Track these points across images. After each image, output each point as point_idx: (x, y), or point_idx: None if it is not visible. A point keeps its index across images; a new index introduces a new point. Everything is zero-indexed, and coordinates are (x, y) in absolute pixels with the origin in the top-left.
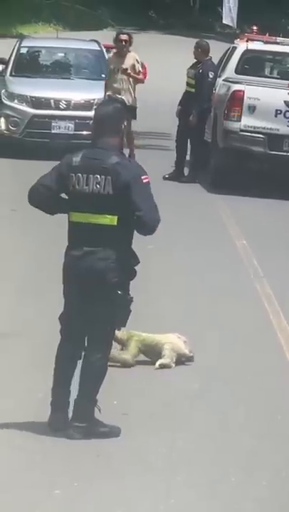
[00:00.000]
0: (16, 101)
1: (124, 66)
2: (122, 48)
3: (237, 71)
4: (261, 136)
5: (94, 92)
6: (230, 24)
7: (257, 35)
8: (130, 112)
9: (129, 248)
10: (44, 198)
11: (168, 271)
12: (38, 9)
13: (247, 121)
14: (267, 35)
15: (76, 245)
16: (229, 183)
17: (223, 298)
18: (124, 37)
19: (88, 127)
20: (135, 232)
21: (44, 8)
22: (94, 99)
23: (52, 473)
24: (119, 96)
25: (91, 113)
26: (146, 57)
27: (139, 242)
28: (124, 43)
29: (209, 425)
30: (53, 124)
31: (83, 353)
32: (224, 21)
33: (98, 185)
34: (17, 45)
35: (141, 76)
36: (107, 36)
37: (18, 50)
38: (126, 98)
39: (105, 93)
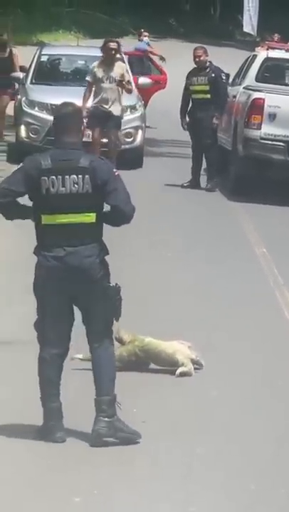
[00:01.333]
0: (36, 108)
1: (113, 75)
2: (110, 56)
3: (257, 79)
4: (282, 144)
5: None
6: (251, 32)
7: (277, 44)
8: (116, 122)
9: (102, 241)
10: (7, 201)
11: (187, 278)
12: (58, 17)
13: (267, 129)
14: (288, 43)
15: (55, 247)
16: (249, 191)
17: (242, 306)
18: (113, 45)
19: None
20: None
21: (65, 16)
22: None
23: (71, 480)
24: (106, 107)
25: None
26: (166, 65)
27: (158, 250)
28: (113, 51)
29: (229, 433)
30: None
31: (91, 350)
32: (245, 29)
33: (76, 185)
34: (37, 52)
35: (130, 87)
36: (128, 44)
37: (39, 57)
38: (114, 109)
39: (84, 102)
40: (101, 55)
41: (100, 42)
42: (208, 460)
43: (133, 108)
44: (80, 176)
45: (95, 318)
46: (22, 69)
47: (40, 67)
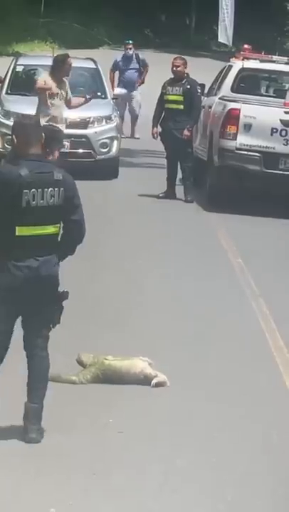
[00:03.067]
0: (11, 119)
1: (63, 93)
2: (68, 73)
3: (233, 89)
4: (257, 154)
5: (89, 110)
6: (226, 43)
7: (253, 54)
8: (62, 141)
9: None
10: None
11: (161, 288)
12: (34, 27)
13: (243, 139)
14: (263, 53)
15: (26, 258)
16: (225, 201)
17: (218, 317)
18: (72, 61)
19: (84, 145)
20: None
21: (40, 27)
22: (89, 118)
23: (46, 491)
24: (56, 125)
25: (87, 131)
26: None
27: (130, 258)
28: (68, 66)
29: (206, 444)
30: None
31: (28, 358)
32: (220, 40)
33: (53, 198)
34: (13, 63)
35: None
36: (104, 54)
37: (14, 68)
38: (63, 127)
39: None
40: (85, 66)
41: (75, 52)
42: (185, 471)
43: (108, 118)
44: (56, 189)
45: (43, 325)
46: None
47: (15, 77)
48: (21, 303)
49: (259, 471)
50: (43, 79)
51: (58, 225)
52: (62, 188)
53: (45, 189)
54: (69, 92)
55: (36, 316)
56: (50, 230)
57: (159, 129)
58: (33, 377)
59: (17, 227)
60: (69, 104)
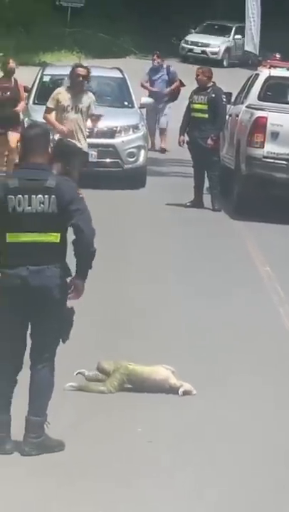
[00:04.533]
0: None
1: (80, 106)
2: (79, 84)
3: (260, 98)
4: (285, 162)
5: (117, 119)
6: (253, 51)
7: (280, 62)
8: (83, 156)
9: (66, 263)
10: None
11: (190, 295)
12: (60, 37)
13: (270, 147)
14: (286, 60)
15: (17, 265)
16: (252, 209)
17: (246, 324)
18: (82, 71)
19: (111, 155)
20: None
21: (67, 37)
22: (116, 127)
23: (75, 500)
24: (71, 139)
25: (114, 140)
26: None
27: (160, 271)
28: (81, 78)
29: (236, 451)
30: None
31: (31, 370)
32: (246, 48)
33: (42, 205)
34: (39, 73)
35: (94, 121)
36: (130, 64)
37: (41, 78)
38: (82, 143)
39: (58, 126)
40: (111, 75)
41: (101, 62)
42: (216, 478)
43: (135, 128)
44: (46, 196)
45: (45, 338)
46: (25, 89)
47: (42, 87)
48: (16, 311)
49: None
50: (57, 92)
51: (56, 233)
52: (53, 196)
53: (33, 195)
54: (92, 106)
55: (38, 329)
56: (45, 238)
57: (186, 137)
58: (31, 390)
59: (7, 234)
60: (91, 118)
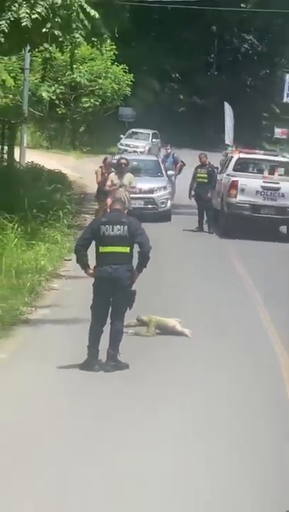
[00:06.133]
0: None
1: (125, 182)
2: (122, 169)
3: (234, 169)
4: (248, 205)
5: (154, 183)
6: (229, 143)
7: (244, 149)
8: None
9: (132, 264)
10: (85, 243)
11: (180, 296)
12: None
13: (240, 197)
14: (249, 148)
15: (106, 265)
16: (232, 232)
17: (229, 321)
18: (123, 161)
19: (151, 203)
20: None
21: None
22: (154, 187)
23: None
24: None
25: (153, 195)
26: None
27: (179, 267)
28: (123, 165)
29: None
30: (132, 201)
31: (111, 324)
32: (226, 142)
33: (119, 231)
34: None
35: (134, 189)
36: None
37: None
38: (125, 201)
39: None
40: (151, 159)
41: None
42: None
43: (164, 188)
44: (121, 226)
45: (120, 306)
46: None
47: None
48: (104, 291)
49: None
50: (110, 178)
51: (126, 247)
52: (126, 226)
53: (114, 225)
54: (132, 181)
55: (115, 301)
56: (122, 249)
57: (193, 193)
58: (111, 335)
59: (100, 247)
60: (133, 189)
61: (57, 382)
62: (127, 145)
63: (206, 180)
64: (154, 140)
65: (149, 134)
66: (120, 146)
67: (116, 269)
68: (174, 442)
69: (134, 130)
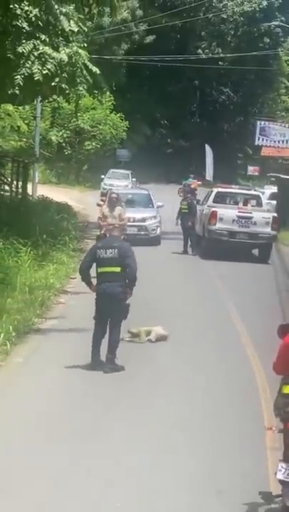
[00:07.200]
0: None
1: (116, 214)
2: (113, 203)
3: (214, 201)
4: (226, 231)
5: (145, 213)
6: (210, 179)
7: (223, 184)
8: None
9: (124, 281)
10: (86, 265)
11: (166, 308)
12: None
13: (219, 225)
14: (227, 184)
15: (103, 282)
16: (211, 255)
17: (207, 329)
18: (114, 195)
19: (143, 230)
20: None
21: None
22: (145, 216)
23: None
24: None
25: (144, 223)
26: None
27: (163, 279)
28: (114, 199)
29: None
30: (128, 228)
31: (107, 332)
32: (207, 178)
33: (111, 254)
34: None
35: (123, 221)
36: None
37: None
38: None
39: (100, 231)
40: (142, 193)
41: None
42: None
43: (154, 217)
44: (114, 250)
45: (115, 317)
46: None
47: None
48: (103, 307)
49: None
50: (102, 210)
51: (118, 267)
52: (116, 250)
53: (108, 249)
54: (122, 213)
55: (112, 314)
56: (114, 269)
57: (179, 221)
58: (109, 342)
59: (98, 268)
60: (122, 220)
61: (64, 380)
62: (110, 184)
63: (186, 211)
64: (133, 179)
65: (128, 173)
66: (105, 186)
67: (109, 285)
68: (162, 425)
69: (113, 170)
